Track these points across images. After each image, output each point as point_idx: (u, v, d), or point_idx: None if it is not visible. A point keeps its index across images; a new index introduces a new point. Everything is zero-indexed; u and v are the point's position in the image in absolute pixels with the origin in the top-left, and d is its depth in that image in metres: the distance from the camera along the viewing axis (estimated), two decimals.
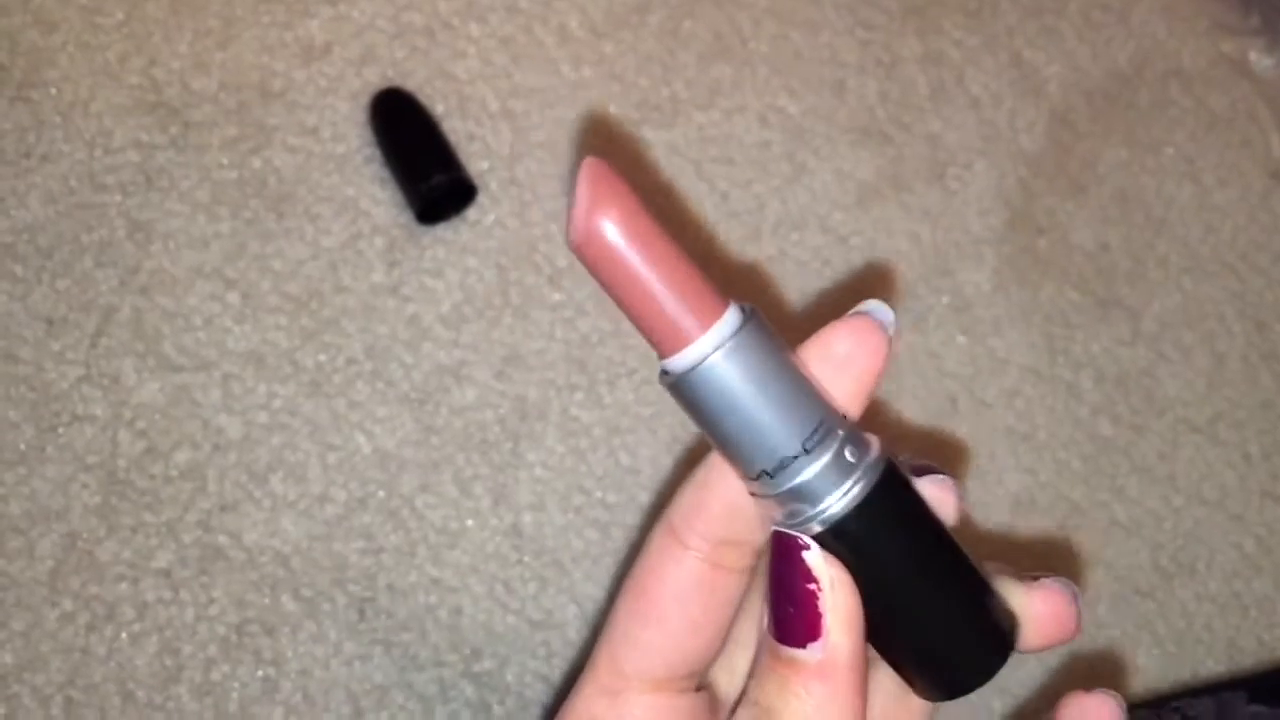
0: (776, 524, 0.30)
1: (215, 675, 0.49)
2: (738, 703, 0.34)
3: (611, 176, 0.28)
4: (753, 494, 0.31)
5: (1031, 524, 0.57)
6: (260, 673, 0.49)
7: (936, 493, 0.32)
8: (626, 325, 0.55)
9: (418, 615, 0.51)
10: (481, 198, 0.56)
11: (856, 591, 0.29)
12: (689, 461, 0.55)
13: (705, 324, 0.28)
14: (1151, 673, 0.56)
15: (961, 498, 0.33)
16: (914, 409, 0.58)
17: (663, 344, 0.29)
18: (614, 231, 0.28)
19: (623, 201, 0.28)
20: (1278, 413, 0.62)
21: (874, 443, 0.30)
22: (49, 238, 0.53)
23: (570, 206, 0.28)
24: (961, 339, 0.59)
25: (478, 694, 0.51)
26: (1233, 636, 0.58)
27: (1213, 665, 0.57)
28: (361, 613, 0.51)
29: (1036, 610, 0.32)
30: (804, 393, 0.29)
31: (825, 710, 0.29)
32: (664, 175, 0.59)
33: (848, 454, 0.29)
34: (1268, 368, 0.62)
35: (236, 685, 0.49)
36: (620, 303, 0.29)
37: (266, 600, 0.50)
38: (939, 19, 0.64)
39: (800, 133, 0.61)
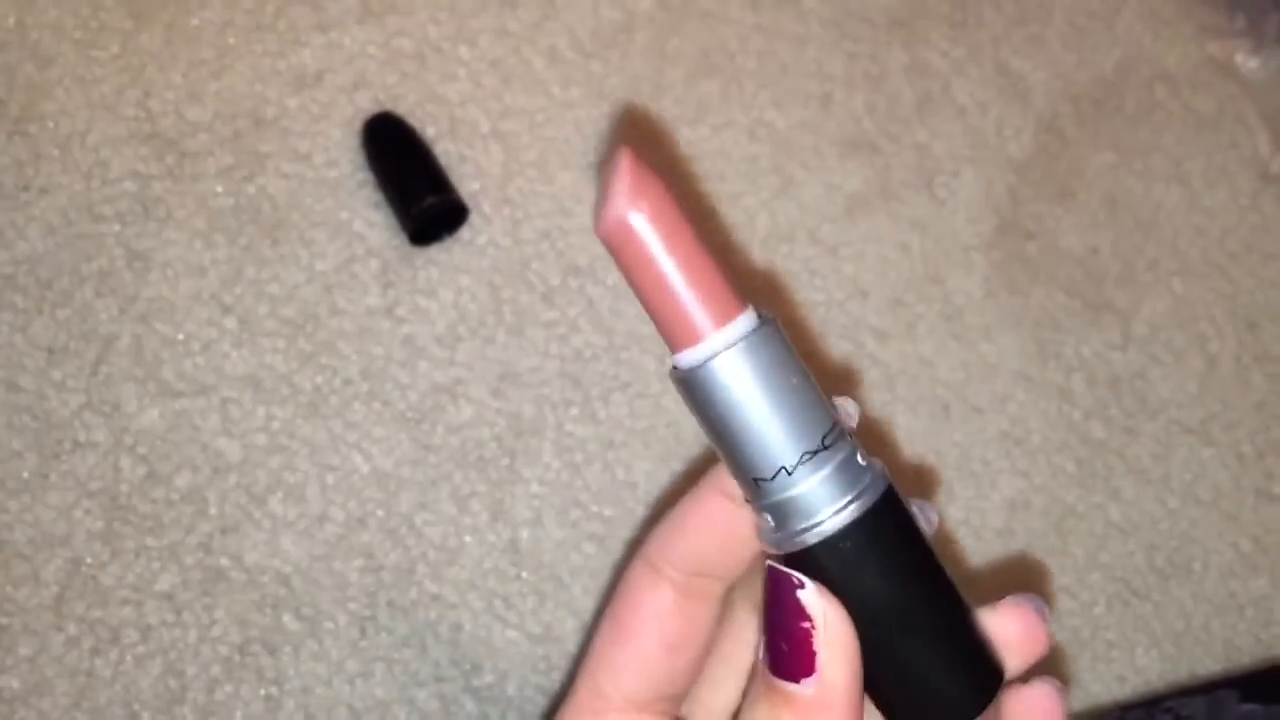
0: (768, 539, 0.30)
1: (219, 695, 0.50)
2: None
3: (646, 168, 0.29)
4: (748, 501, 0.31)
5: (1027, 527, 0.58)
6: (263, 692, 0.50)
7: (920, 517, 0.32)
8: (620, 340, 0.56)
9: (418, 632, 0.52)
10: (474, 218, 0.57)
11: (853, 629, 0.29)
12: (685, 475, 0.56)
13: (720, 322, 0.29)
14: (1150, 673, 0.57)
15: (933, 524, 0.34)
16: (907, 417, 0.58)
17: (677, 338, 0.29)
18: (644, 222, 0.28)
19: (656, 193, 0.28)
20: (1271, 413, 0.62)
21: (875, 463, 0.31)
22: (49, 268, 0.54)
23: (602, 193, 0.29)
24: (953, 346, 0.60)
25: (479, 709, 0.51)
26: (1230, 636, 0.58)
27: (1210, 665, 0.57)
28: (362, 630, 0.51)
29: (1011, 632, 0.32)
30: (810, 405, 0.30)
31: None
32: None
33: (848, 471, 0.29)
34: (1260, 368, 0.62)
35: (240, 705, 0.50)
36: (639, 292, 0.29)
37: (268, 620, 0.51)
38: (925, 30, 0.65)
39: (788, 146, 0.62)
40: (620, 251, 0.29)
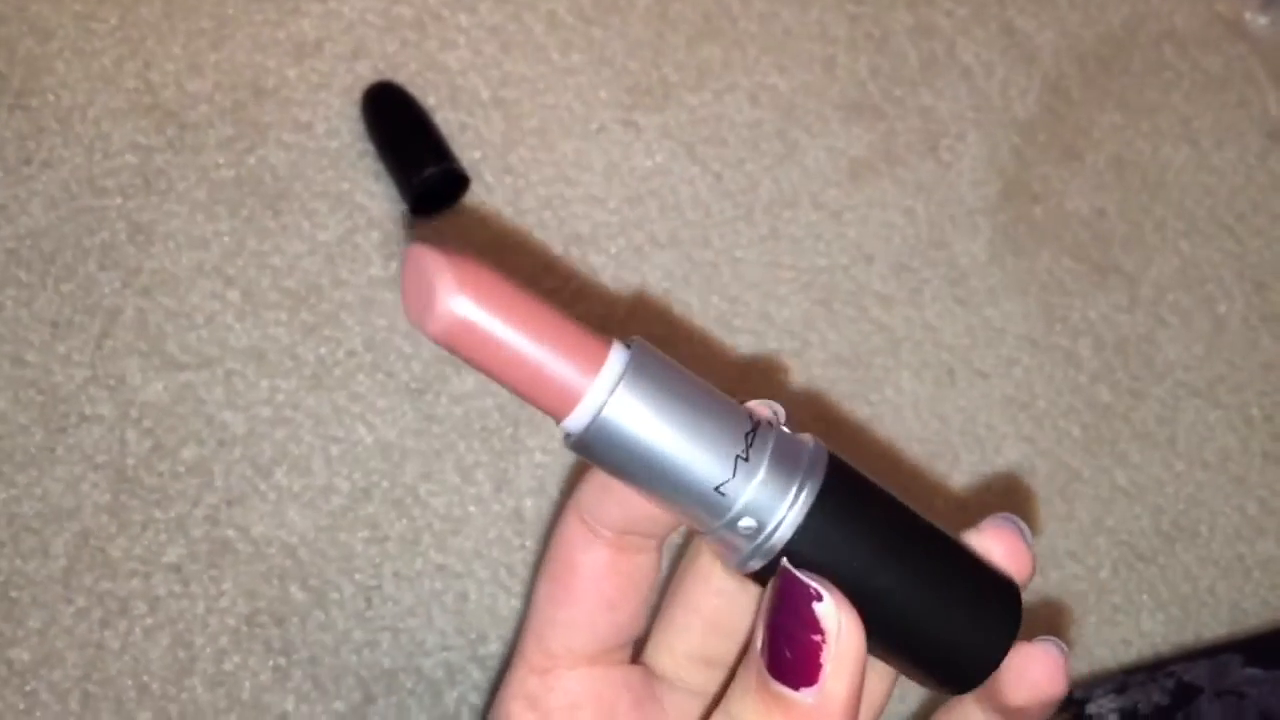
0: (736, 561, 0.29)
1: (227, 666, 0.50)
2: (710, 705, 0.35)
3: (446, 258, 0.26)
4: (700, 534, 0.29)
5: (1030, 493, 0.58)
6: (271, 662, 0.50)
7: None
8: (622, 309, 0.55)
9: (424, 601, 0.52)
10: (475, 186, 0.57)
11: (863, 641, 0.28)
12: None
13: (591, 371, 0.27)
14: (1155, 637, 0.57)
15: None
16: (912, 382, 0.58)
17: (557, 406, 0.27)
18: (473, 308, 0.26)
19: (474, 275, 0.26)
20: (1279, 375, 0.62)
21: (807, 440, 0.29)
22: (52, 242, 0.54)
23: (410, 303, 0.26)
24: (958, 310, 0.60)
25: (485, 677, 0.52)
26: (1236, 599, 0.58)
27: (1216, 628, 0.57)
28: (369, 600, 0.52)
29: (995, 554, 0.32)
30: (719, 408, 0.28)
31: None
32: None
33: (787, 457, 0.28)
34: (1268, 329, 0.62)
35: (248, 675, 0.50)
36: (498, 377, 0.27)
37: (275, 591, 0.51)
38: None
39: (791, 110, 0.61)
40: (462, 347, 0.26)
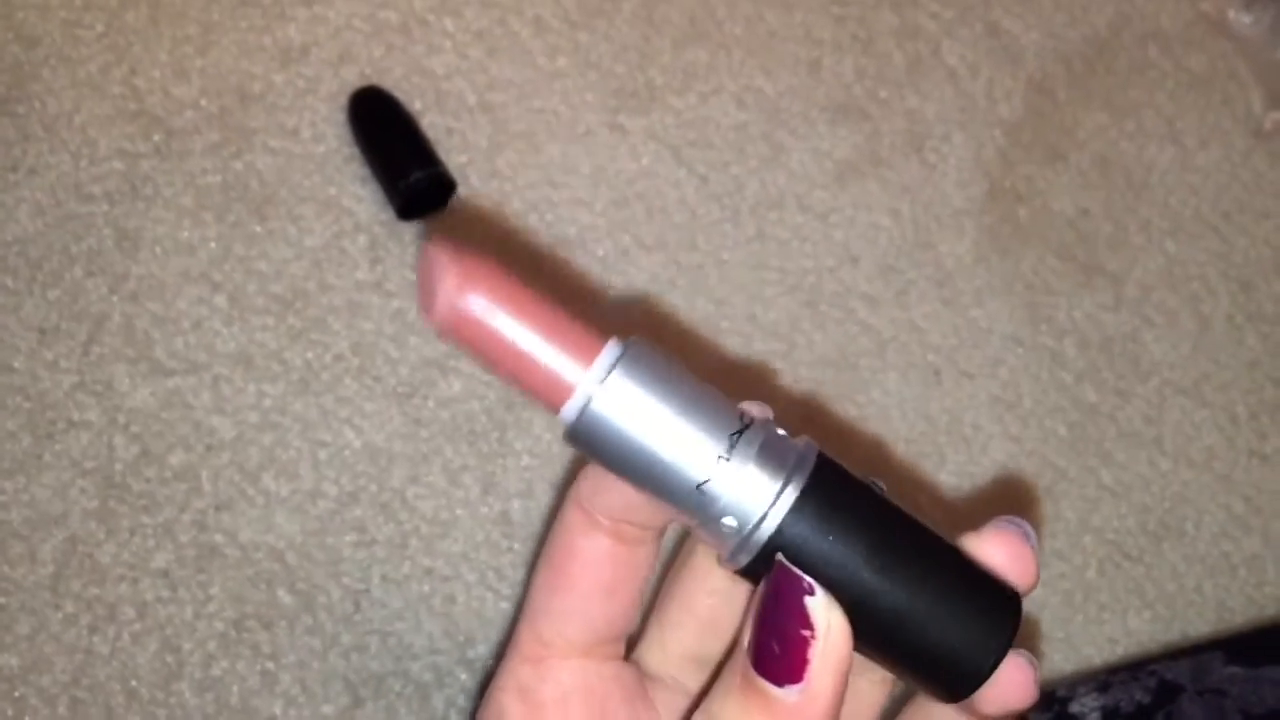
0: (725, 555, 0.29)
1: (215, 670, 0.50)
2: (697, 703, 0.34)
3: (463, 251, 0.28)
4: (689, 529, 0.30)
5: (1018, 493, 0.58)
6: (259, 666, 0.50)
7: None
8: (609, 312, 0.56)
9: (412, 605, 0.52)
10: (462, 190, 0.57)
11: (850, 640, 0.28)
12: None
13: (586, 363, 0.28)
14: (1142, 635, 0.57)
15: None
16: (898, 383, 0.58)
17: (552, 397, 0.28)
18: (478, 301, 0.27)
19: (479, 268, 0.27)
20: (1264, 373, 0.62)
21: (799, 441, 0.30)
22: (39, 249, 0.54)
23: (425, 294, 0.27)
24: (944, 311, 0.60)
25: (473, 680, 0.52)
26: (1222, 597, 0.58)
27: (1202, 626, 0.57)
28: (357, 604, 0.52)
29: (997, 560, 0.31)
30: (711, 402, 0.28)
31: None
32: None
33: (775, 452, 0.28)
34: (1253, 328, 0.62)
35: (236, 679, 0.50)
36: (497, 369, 0.28)
37: (263, 595, 0.51)
38: None
39: (777, 113, 0.61)
40: (465, 338, 0.28)
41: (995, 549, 0.31)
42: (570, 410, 0.28)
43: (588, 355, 0.28)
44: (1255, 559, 0.59)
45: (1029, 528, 0.32)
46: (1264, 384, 0.62)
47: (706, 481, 0.28)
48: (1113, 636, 0.57)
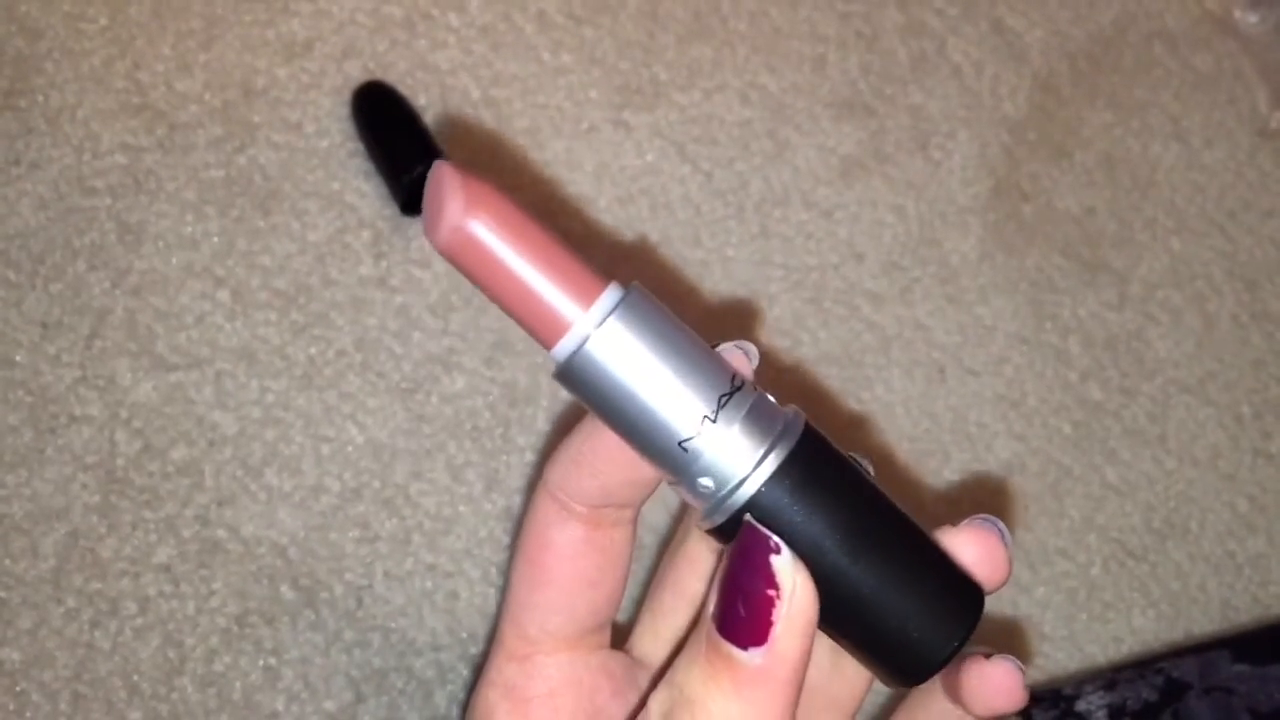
0: (702, 513, 0.29)
1: (218, 666, 0.50)
2: (662, 671, 0.34)
3: (470, 174, 0.27)
4: (670, 484, 0.30)
5: (1022, 490, 0.58)
6: (261, 662, 0.50)
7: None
8: None
9: (415, 601, 0.52)
10: None
11: (816, 603, 0.28)
12: None
13: (585, 304, 0.28)
14: (1146, 634, 0.57)
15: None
16: (903, 380, 0.58)
17: (546, 333, 0.28)
18: (481, 226, 0.27)
19: (487, 194, 0.27)
20: (1269, 371, 0.62)
21: (787, 407, 0.29)
22: (41, 243, 0.54)
23: (432, 209, 0.27)
24: (948, 309, 0.60)
25: (475, 677, 0.52)
26: (1227, 596, 0.58)
27: (1207, 625, 0.57)
28: (359, 600, 0.52)
29: (968, 555, 0.31)
30: (702, 360, 0.28)
31: (752, 715, 0.27)
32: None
33: (762, 417, 0.28)
34: (1258, 327, 0.62)
35: (239, 675, 0.50)
36: (496, 297, 0.28)
37: (266, 591, 0.51)
38: None
39: (781, 109, 0.61)
40: (465, 261, 0.28)
41: (969, 545, 0.31)
42: (563, 349, 0.28)
43: (588, 296, 0.28)
44: (1260, 558, 0.59)
45: (1004, 527, 0.32)
46: (1269, 383, 0.62)
47: (690, 439, 0.28)
48: (1117, 635, 0.57)
